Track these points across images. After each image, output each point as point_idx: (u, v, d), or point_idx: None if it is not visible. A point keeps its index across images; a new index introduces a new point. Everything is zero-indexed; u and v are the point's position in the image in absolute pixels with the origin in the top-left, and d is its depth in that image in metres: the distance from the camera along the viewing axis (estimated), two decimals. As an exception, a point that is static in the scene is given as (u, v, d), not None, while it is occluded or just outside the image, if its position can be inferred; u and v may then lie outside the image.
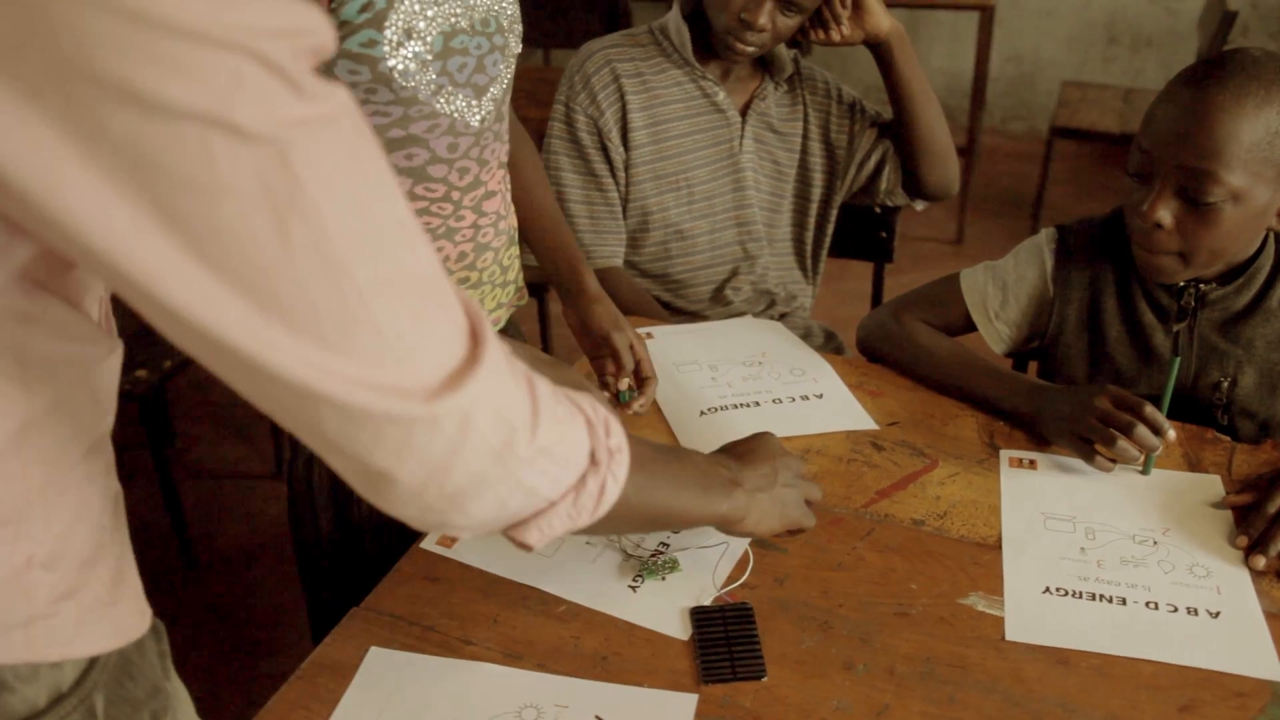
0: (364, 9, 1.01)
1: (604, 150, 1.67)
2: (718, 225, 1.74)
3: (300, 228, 0.50)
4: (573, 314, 1.36)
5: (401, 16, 1.04)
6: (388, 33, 1.04)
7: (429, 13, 1.06)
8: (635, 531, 1.06)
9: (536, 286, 2.25)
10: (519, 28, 1.23)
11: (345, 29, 1.03)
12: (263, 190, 0.48)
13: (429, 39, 1.07)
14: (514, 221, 1.35)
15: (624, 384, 1.30)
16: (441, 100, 1.11)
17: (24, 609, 0.62)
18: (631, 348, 1.32)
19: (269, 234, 0.49)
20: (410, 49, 1.06)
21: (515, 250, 1.37)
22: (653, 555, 1.08)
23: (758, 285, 1.79)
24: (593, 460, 0.71)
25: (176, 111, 0.45)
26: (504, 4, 1.17)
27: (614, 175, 1.68)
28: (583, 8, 3.46)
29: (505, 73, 1.20)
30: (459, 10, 1.10)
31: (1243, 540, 1.09)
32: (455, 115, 1.14)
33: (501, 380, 0.62)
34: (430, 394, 0.58)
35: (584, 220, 1.69)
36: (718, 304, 1.78)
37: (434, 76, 1.09)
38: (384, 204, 0.55)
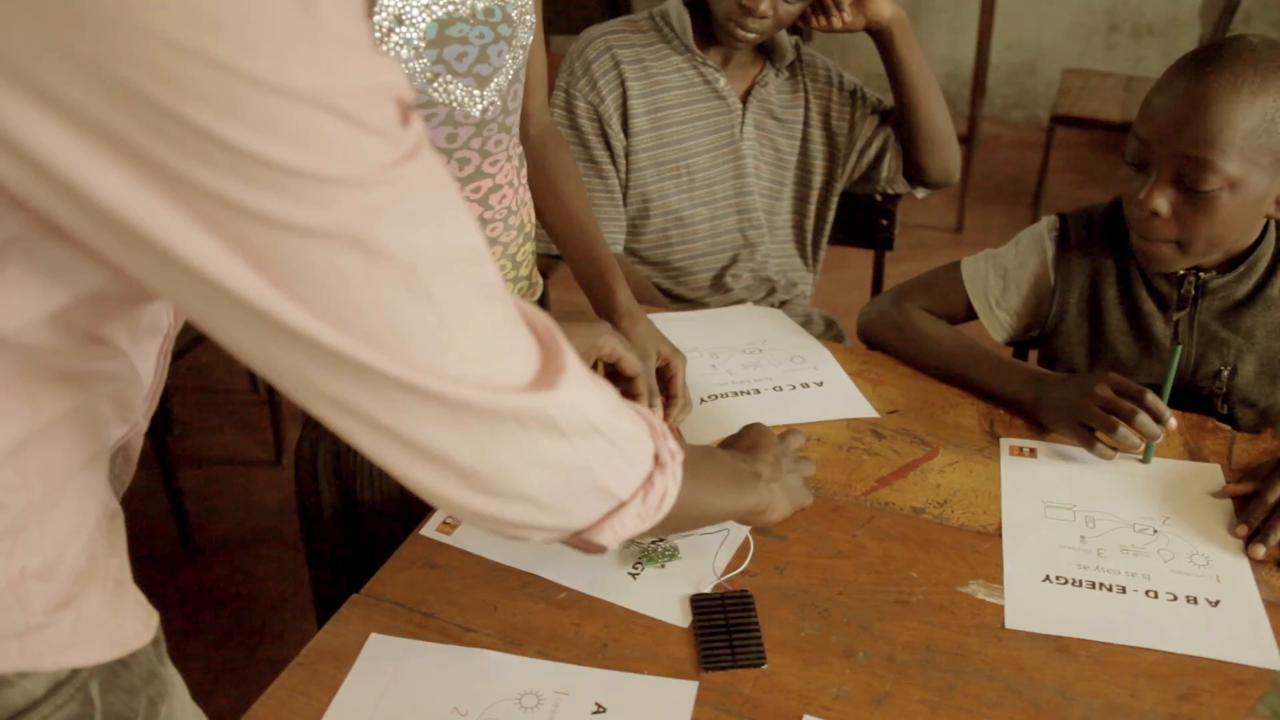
0: None
1: (604, 137, 1.66)
2: (718, 212, 1.74)
3: (387, 266, 0.53)
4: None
5: (392, 3, 1.03)
6: (377, 19, 1.03)
7: (421, 1, 1.05)
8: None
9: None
10: (530, 19, 1.20)
11: None
12: (354, 235, 0.51)
13: (421, 26, 1.06)
14: (527, 218, 1.34)
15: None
16: (437, 88, 1.10)
17: (20, 619, 0.63)
18: (667, 366, 1.26)
19: (360, 274, 0.53)
20: (400, 35, 1.05)
21: (530, 246, 1.36)
22: (653, 543, 1.08)
23: (758, 272, 1.79)
24: (657, 461, 0.75)
25: (266, 163, 0.48)
26: None
27: (614, 162, 1.68)
28: (583, -7, 3.45)
29: (512, 63, 1.19)
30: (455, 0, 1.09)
31: (1242, 529, 1.09)
32: (454, 105, 1.13)
33: (581, 384, 0.66)
34: (521, 391, 0.62)
35: (584, 207, 1.68)
36: (718, 291, 1.77)
37: (428, 64, 1.08)
38: (460, 231, 0.58)
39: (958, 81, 4.53)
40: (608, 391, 0.71)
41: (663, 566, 1.05)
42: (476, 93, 1.14)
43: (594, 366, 1.14)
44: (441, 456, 0.62)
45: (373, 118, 0.50)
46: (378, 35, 1.04)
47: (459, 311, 0.57)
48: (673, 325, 1.49)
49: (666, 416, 1.23)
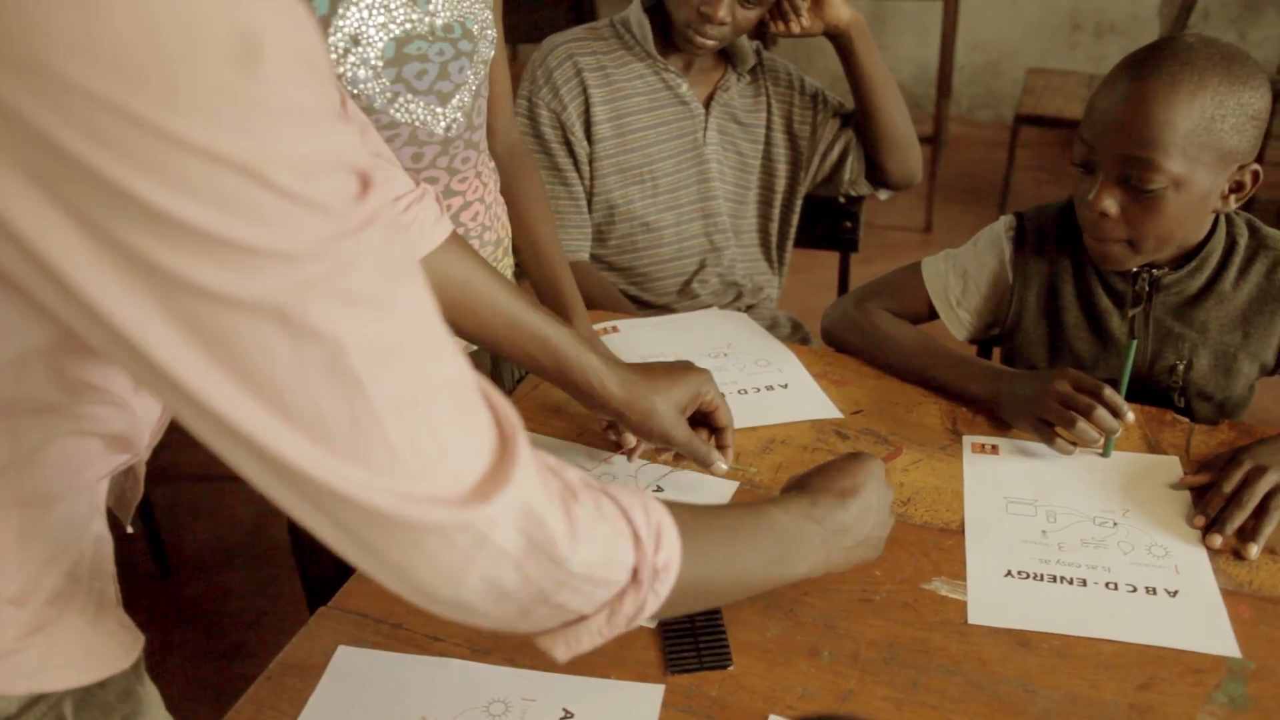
0: None
1: (567, 144, 1.67)
2: (683, 217, 1.75)
3: (314, 346, 0.49)
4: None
5: (348, 23, 1.03)
6: (332, 39, 1.03)
7: (378, 20, 1.05)
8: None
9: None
10: (491, 33, 1.20)
11: None
12: (277, 307, 0.48)
13: (379, 45, 1.06)
14: (503, 232, 1.34)
15: (629, 442, 1.20)
16: (398, 108, 1.10)
17: None
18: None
19: (283, 350, 0.49)
20: (357, 55, 1.05)
21: (509, 261, 1.37)
22: None
23: (725, 277, 1.80)
24: (634, 578, 0.67)
25: (183, 225, 0.45)
26: (474, 8, 1.15)
27: (578, 169, 1.69)
28: (549, 2, 3.46)
29: (474, 79, 1.18)
30: (415, 17, 1.09)
31: (1200, 520, 1.11)
32: (416, 124, 1.12)
33: (530, 497, 0.59)
34: (447, 504, 0.55)
35: (549, 215, 1.69)
36: (685, 297, 1.78)
37: (387, 84, 1.08)
38: (407, 316, 0.54)
39: (924, 82, 4.57)
40: (582, 502, 0.63)
41: None
42: (439, 110, 1.14)
43: (690, 415, 1.12)
44: (371, 546, 0.56)
45: (309, 188, 0.47)
46: (334, 56, 1.04)
47: (396, 405, 0.53)
48: (638, 331, 1.50)
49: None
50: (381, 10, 1.05)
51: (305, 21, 0.48)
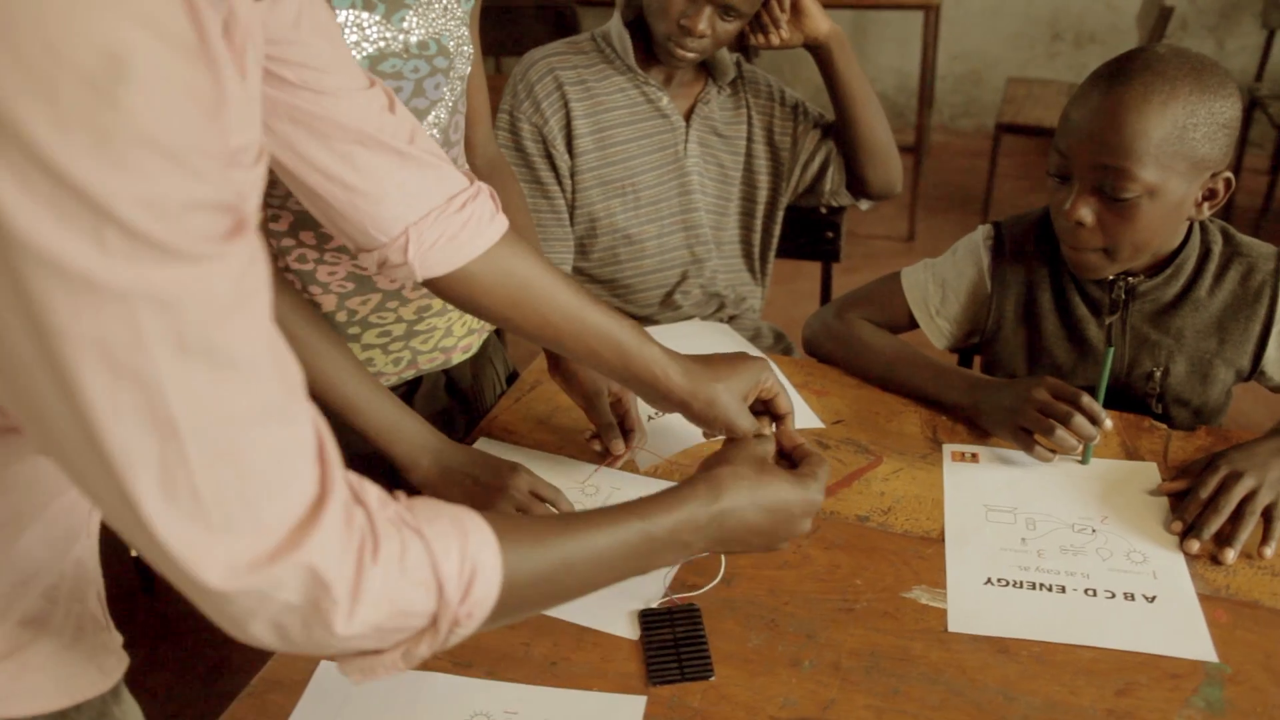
0: None
1: (549, 158, 1.68)
2: (665, 229, 1.75)
3: (133, 388, 0.49)
4: (558, 376, 1.28)
5: None
6: None
7: (351, 39, 1.05)
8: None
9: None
10: (468, 49, 1.20)
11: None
12: (100, 344, 0.47)
13: None
14: None
15: (615, 449, 1.23)
16: None
17: None
18: (619, 401, 1.25)
19: (102, 385, 0.48)
20: None
21: None
22: None
23: (707, 288, 1.81)
24: (432, 624, 0.66)
25: (24, 244, 0.44)
26: (450, 25, 1.16)
27: (560, 182, 1.69)
28: (532, 16, 3.47)
29: (450, 95, 1.19)
30: (388, 35, 1.09)
31: (1177, 525, 1.12)
32: None
33: (322, 560, 0.58)
34: (236, 570, 0.55)
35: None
36: (667, 308, 1.79)
37: None
38: (243, 370, 0.53)
39: (906, 92, 4.60)
40: (382, 559, 0.61)
41: None
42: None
43: (752, 404, 1.10)
44: (158, 566, 0.56)
45: (158, 226, 0.46)
46: None
47: (212, 458, 0.52)
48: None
49: (627, 447, 1.24)
50: (354, 29, 1.05)
51: (193, 53, 0.47)
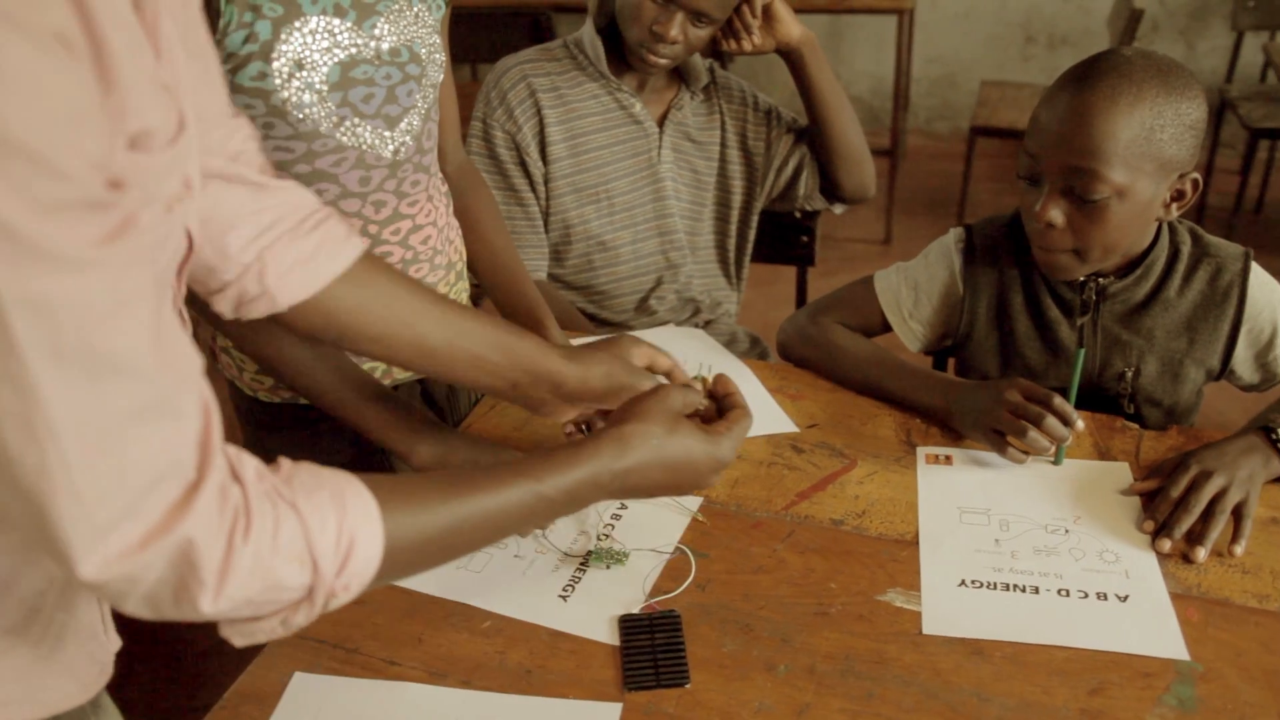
0: (247, 40, 1.01)
1: (523, 165, 1.67)
2: (640, 235, 1.76)
3: (9, 394, 0.49)
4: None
5: (291, 48, 1.03)
6: (276, 64, 1.03)
7: (322, 44, 1.05)
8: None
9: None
10: (440, 57, 1.20)
11: (233, 62, 1.02)
12: None
13: (323, 70, 1.06)
14: (455, 256, 1.33)
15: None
16: (344, 132, 1.10)
17: None
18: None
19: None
20: (301, 80, 1.05)
21: (463, 285, 1.36)
22: (601, 541, 1.11)
23: (682, 293, 1.81)
24: (308, 597, 0.67)
25: None
26: (422, 32, 1.16)
27: (534, 189, 1.69)
28: (507, 23, 3.47)
29: (423, 103, 1.18)
30: (359, 42, 1.09)
31: (1149, 525, 1.12)
32: (364, 148, 1.12)
33: (194, 536, 0.59)
34: (108, 561, 0.56)
35: (506, 235, 1.69)
36: (643, 314, 1.79)
37: (333, 108, 1.08)
38: (119, 376, 0.53)
39: (881, 95, 4.62)
40: (260, 529, 0.62)
41: (607, 567, 1.08)
42: (386, 134, 1.14)
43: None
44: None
45: (19, 230, 0.47)
46: (278, 80, 1.03)
47: (92, 459, 0.53)
48: (595, 349, 1.50)
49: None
50: (325, 35, 1.05)
51: (67, 45, 0.47)
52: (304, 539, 0.65)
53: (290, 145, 1.07)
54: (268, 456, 0.68)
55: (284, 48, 1.02)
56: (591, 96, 1.69)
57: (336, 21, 1.07)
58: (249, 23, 1.00)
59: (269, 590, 0.64)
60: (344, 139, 1.10)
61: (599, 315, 1.79)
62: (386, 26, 1.11)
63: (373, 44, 1.10)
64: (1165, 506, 1.13)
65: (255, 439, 1.34)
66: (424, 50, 1.16)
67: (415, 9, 1.16)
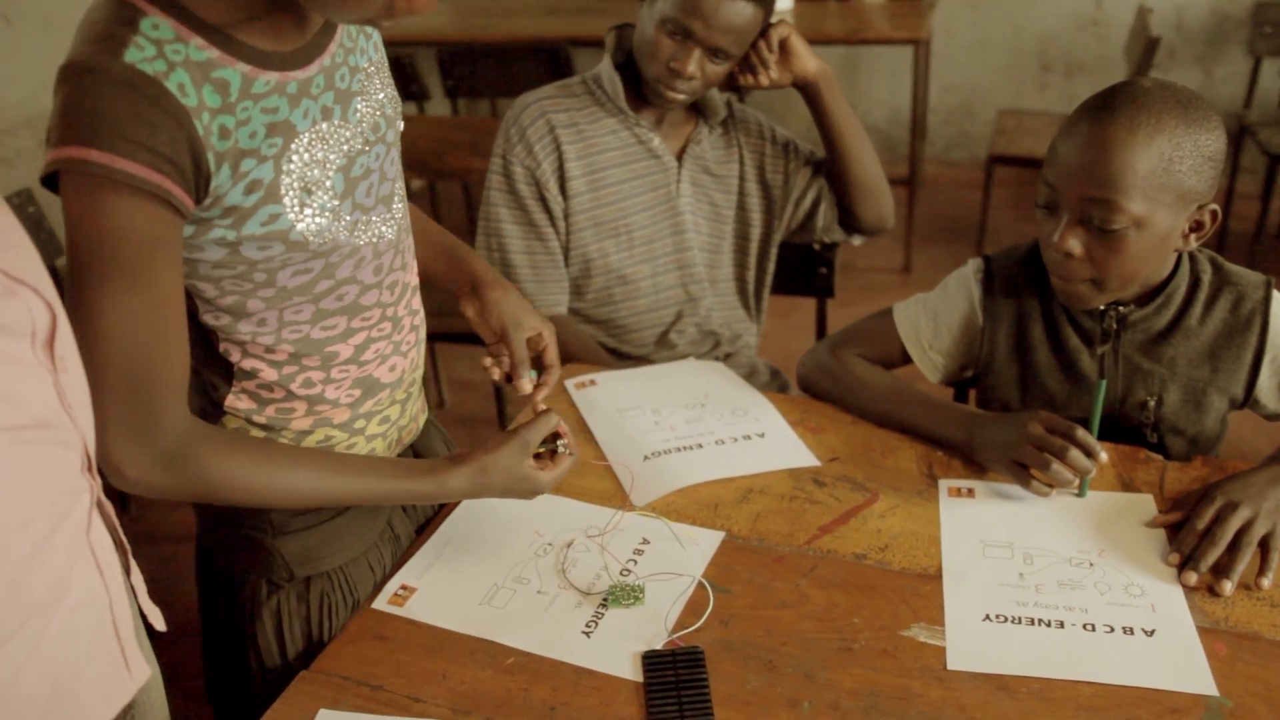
0: (250, 189, 0.95)
1: (543, 200, 1.69)
2: (659, 269, 1.76)
3: None
4: (470, 306, 1.28)
5: (294, 177, 0.98)
6: (286, 199, 0.97)
7: (319, 155, 1.00)
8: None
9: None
10: (399, 104, 1.16)
11: (236, 215, 0.95)
12: None
13: (328, 183, 1.01)
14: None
15: (522, 388, 1.21)
16: (360, 234, 1.06)
17: None
18: (535, 339, 1.25)
19: None
20: (315, 205, 1.00)
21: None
22: (617, 584, 1.11)
23: (702, 326, 1.81)
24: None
25: None
26: (385, 92, 1.11)
27: (554, 224, 1.70)
28: (524, 58, 3.50)
29: (398, 161, 1.15)
30: (349, 134, 1.03)
31: (1175, 557, 1.12)
32: (376, 240, 1.09)
33: None
34: None
35: (526, 270, 1.70)
36: (663, 347, 1.80)
37: (346, 218, 1.04)
38: None
39: (898, 124, 4.62)
40: None
41: (627, 607, 1.08)
42: (387, 215, 1.11)
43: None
44: None
45: None
46: (291, 216, 0.98)
47: None
48: (616, 384, 1.51)
49: (541, 385, 1.24)
50: (320, 144, 1.00)
51: None
52: None
53: (309, 266, 1.03)
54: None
55: (288, 179, 0.97)
56: (610, 132, 1.70)
57: (325, 126, 1.01)
58: (247, 171, 0.94)
59: None
60: (359, 240, 1.06)
61: (619, 349, 1.79)
62: (364, 108, 1.06)
63: (359, 131, 1.05)
64: (1191, 539, 1.12)
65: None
66: (390, 108, 1.12)
67: (376, 72, 1.11)
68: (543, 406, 1.18)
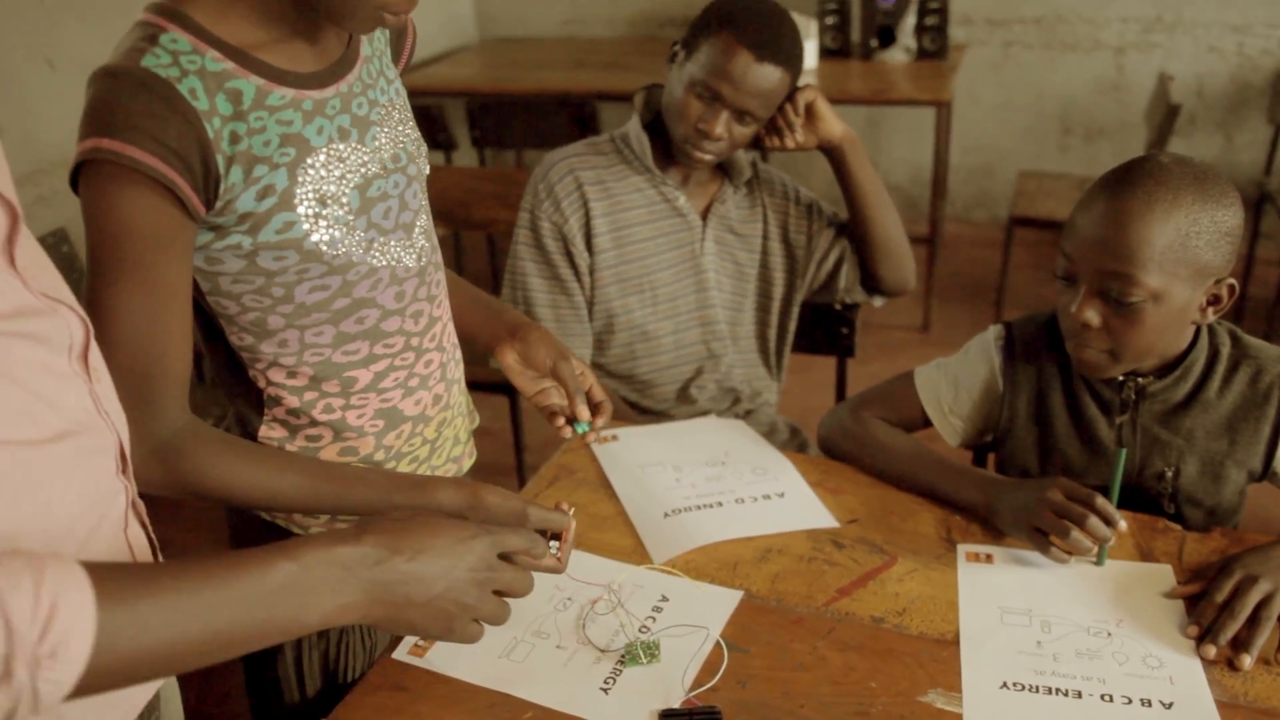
0: (264, 195, 0.98)
1: (569, 256, 1.72)
2: (682, 325, 1.79)
3: None
4: (510, 352, 1.29)
5: (309, 188, 1.01)
6: (301, 209, 1.01)
7: (335, 173, 1.03)
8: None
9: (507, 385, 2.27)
10: (424, 147, 1.20)
11: (250, 220, 0.99)
12: None
13: (344, 198, 1.04)
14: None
15: (583, 415, 1.25)
16: (376, 254, 1.09)
17: None
18: (581, 374, 1.29)
19: None
20: (330, 216, 1.03)
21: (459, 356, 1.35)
22: (636, 640, 1.11)
23: (723, 383, 1.83)
24: (7, 670, 0.61)
25: None
26: (407, 131, 1.15)
27: (579, 279, 1.73)
28: (552, 111, 3.56)
29: (424, 199, 1.18)
30: (366, 158, 1.07)
31: (1193, 630, 1.12)
32: (394, 263, 1.11)
33: None
34: None
35: (550, 324, 1.73)
36: (684, 403, 1.81)
37: (362, 235, 1.06)
38: None
39: (919, 184, 4.66)
40: None
41: (645, 663, 1.08)
42: (408, 242, 1.13)
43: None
44: None
45: None
46: (306, 226, 1.01)
47: None
48: (637, 440, 1.52)
49: (600, 412, 1.28)
50: (337, 163, 1.04)
51: None
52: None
53: (326, 282, 1.06)
54: None
55: (302, 190, 1.01)
56: (636, 190, 1.73)
57: (342, 146, 1.05)
58: (259, 177, 0.97)
59: None
60: (375, 260, 1.09)
61: (640, 404, 1.81)
62: (384, 136, 1.10)
63: (378, 157, 1.08)
64: (1210, 611, 1.12)
65: None
66: (414, 146, 1.15)
67: (397, 108, 1.14)
68: (568, 507, 1.10)
